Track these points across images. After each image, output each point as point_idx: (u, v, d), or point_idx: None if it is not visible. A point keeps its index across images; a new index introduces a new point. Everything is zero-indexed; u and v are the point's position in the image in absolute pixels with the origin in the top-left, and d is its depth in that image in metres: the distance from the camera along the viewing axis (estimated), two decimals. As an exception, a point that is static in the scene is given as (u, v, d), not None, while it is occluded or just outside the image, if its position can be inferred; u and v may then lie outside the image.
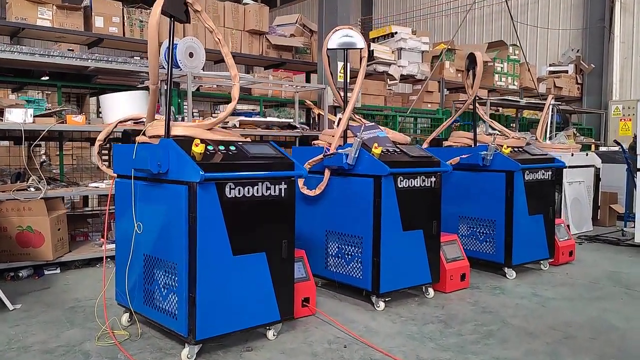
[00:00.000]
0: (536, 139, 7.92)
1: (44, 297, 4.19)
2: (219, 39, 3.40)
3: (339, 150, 3.97)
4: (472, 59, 5.09)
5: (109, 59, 5.19)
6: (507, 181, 4.77)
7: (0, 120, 4.71)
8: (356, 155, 3.89)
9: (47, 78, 5.75)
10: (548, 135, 8.50)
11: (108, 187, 5.01)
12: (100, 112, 5.79)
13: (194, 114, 7.54)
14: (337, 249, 4.16)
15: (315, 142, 4.43)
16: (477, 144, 5.08)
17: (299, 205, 4.46)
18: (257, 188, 3.08)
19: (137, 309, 3.34)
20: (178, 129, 3.17)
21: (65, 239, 5.05)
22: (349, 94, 4.27)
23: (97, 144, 3.68)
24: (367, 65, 8.38)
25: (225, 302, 2.97)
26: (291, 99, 7.33)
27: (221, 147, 3.05)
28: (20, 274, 4.70)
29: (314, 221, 4.36)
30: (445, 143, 5.39)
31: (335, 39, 4.14)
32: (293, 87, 6.96)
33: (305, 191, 4.22)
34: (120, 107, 5.27)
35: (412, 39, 8.71)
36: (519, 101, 8.96)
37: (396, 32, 8.69)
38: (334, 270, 4.19)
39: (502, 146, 4.89)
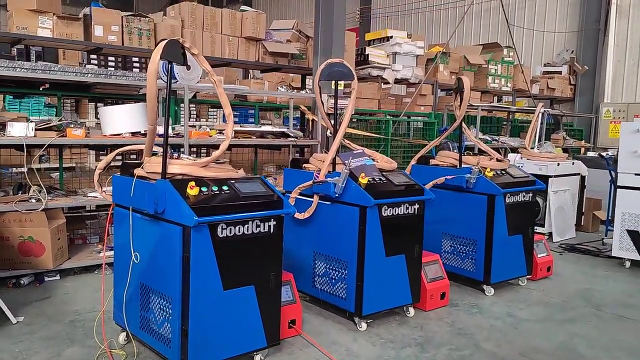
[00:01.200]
0: (525, 147, 8.14)
1: (45, 308, 4.42)
2: (214, 80, 3.57)
3: (328, 179, 4.17)
4: (460, 83, 5.25)
5: (108, 74, 5.34)
6: (489, 204, 5.00)
7: (2, 134, 4.88)
8: (343, 185, 4.10)
9: (47, 86, 5.90)
10: (537, 143, 8.70)
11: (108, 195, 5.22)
12: (99, 120, 5.95)
13: (191, 117, 7.72)
14: (323, 270, 4.39)
15: (306, 165, 4.62)
16: (462, 166, 5.28)
17: (289, 225, 4.70)
18: (248, 227, 3.29)
19: (133, 332, 3.58)
20: (174, 167, 3.36)
21: (65, 247, 5.27)
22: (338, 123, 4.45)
23: (97, 172, 3.87)
24: (362, 69, 8.56)
25: (215, 332, 3.21)
26: (286, 104, 7.50)
27: (214, 188, 3.25)
28: (22, 282, 4.93)
29: (303, 241, 4.58)
30: (432, 162, 5.60)
31: (327, 71, 4.30)
32: (287, 94, 7.12)
33: (296, 215, 4.42)
34: (119, 120, 5.44)
35: (407, 44, 8.84)
36: (509, 108, 9.13)
37: (392, 36, 8.81)
38: (320, 288, 4.43)
39: (485, 169, 5.10)
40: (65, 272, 5.25)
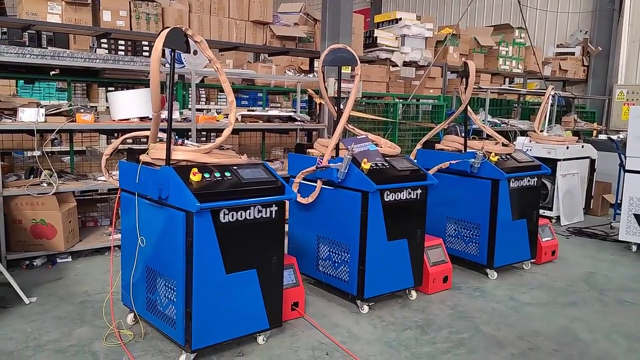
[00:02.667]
0: (534, 130, 8.10)
1: (57, 288, 4.56)
2: (217, 67, 3.61)
3: (331, 165, 4.22)
4: (466, 67, 5.24)
5: (116, 59, 5.40)
6: (493, 189, 5.02)
7: (14, 119, 4.99)
8: (346, 171, 4.15)
9: (57, 72, 5.98)
10: (547, 126, 8.64)
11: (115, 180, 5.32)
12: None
13: (200, 101, 7.78)
14: (326, 254, 4.47)
15: (310, 150, 4.67)
16: (467, 150, 5.30)
17: (294, 209, 4.78)
18: (250, 212, 3.37)
19: (140, 313, 3.70)
20: (178, 154, 3.43)
21: (76, 229, 5.40)
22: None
23: (103, 158, 3.95)
24: (370, 52, 8.53)
25: (218, 315, 3.30)
26: (294, 88, 7.52)
27: (217, 174, 3.32)
28: (35, 263, 5.08)
29: (307, 225, 4.65)
30: (437, 146, 5.61)
31: (330, 56, 4.32)
32: (295, 77, 7.14)
33: (299, 199, 4.49)
34: (127, 105, 5.52)
35: (416, 26, 8.78)
36: (519, 90, 9.06)
37: (400, 18, 8.75)
38: (324, 272, 4.51)
39: (490, 153, 5.11)
40: (77, 254, 5.39)
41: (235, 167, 3.46)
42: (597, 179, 8.48)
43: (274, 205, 3.48)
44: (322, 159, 4.32)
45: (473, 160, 5.06)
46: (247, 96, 9.47)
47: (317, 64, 8.62)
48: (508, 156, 5.27)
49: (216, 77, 7.44)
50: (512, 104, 10.58)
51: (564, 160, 7.66)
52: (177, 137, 3.79)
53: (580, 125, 10.36)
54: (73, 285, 4.67)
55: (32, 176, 5.21)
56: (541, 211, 7.70)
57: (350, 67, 7.22)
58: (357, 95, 7.43)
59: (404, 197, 4.31)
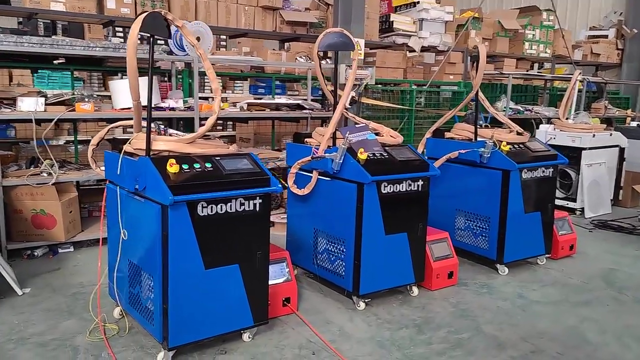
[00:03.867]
0: (558, 117, 7.72)
1: (53, 279, 4.53)
2: (200, 53, 3.46)
3: (326, 155, 4.03)
4: (476, 51, 4.95)
5: (117, 47, 5.31)
6: (503, 180, 4.75)
7: (13, 109, 4.96)
8: (341, 161, 3.96)
9: (62, 61, 5.94)
10: (574, 112, 8.23)
11: (102, 170, 5.27)
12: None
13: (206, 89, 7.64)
14: (323, 247, 4.30)
15: (308, 140, 4.49)
16: (478, 139, 5.02)
17: (292, 201, 4.62)
18: (231, 205, 3.21)
19: (124, 307, 3.61)
20: (160, 144, 3.30)
21: (77, 220, 5.37)
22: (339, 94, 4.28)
23: (90, 148, 3.87)
24: (386, 37, 8.27)
25: (197, 311, 3.18)
26: (305, 75, 7.33)
27: (196, 165, 3.18)
28: (36, 253, 5.07)
29: (304, 217, 4.49)
30: (447, 135, 5.35)
31: (325, 41, 4.12)
32: (305, 64, 6.94)
33: (295, 190, 4.33)
34: (127, 94, 5.41)
35: (435, 9, 8.46)
36: (544, 75, 8.65)
37: (418, 2, 8.44)
38: (321, 266, 4.34)
39: (501, 142, 4.83)
40: (79, 244, 5.36)
41: (217, 158, 3.31)
42: (627, 168, 8.03)
43: (257, 197, 3.32)
44: (317, 149, 4.14)
45: (483, 149, 4.79)
46: (264, 84, 9.33)
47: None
48: (521, 145, 4.98)
49: (225, 64, 7.35)
50: (538, 90, 10.13)
51: (589, 149, 7.27)
52: (161, 126, 3.66)
53: (611, 112, 9.87)
54: (70, 276, 4.63)
55: (32, 166, 5.19)
56: (564, 203, 7.43)
57: (364, 53, 7.01)
58: (370, 82, 7.22)
59: (404, 189, 4.09)
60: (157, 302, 3.12)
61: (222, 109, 6.06)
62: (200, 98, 6.71)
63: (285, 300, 3.88)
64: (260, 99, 6.64)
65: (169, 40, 5.95)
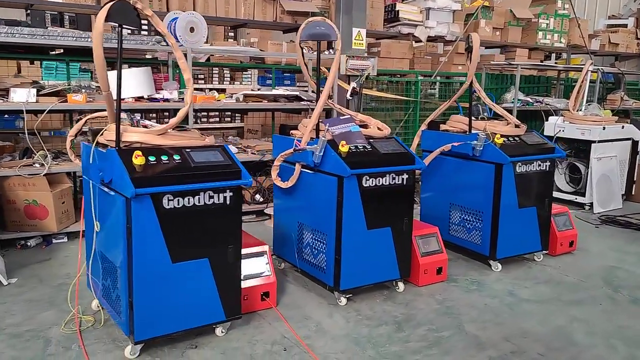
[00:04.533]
0: (568, 109, 7.49)
1: (41, 270, 4.55)
2: (172, 42, 3.41)
3: (307, 147, 3.95)
4: (469, 40, 4.80)
5: (109, 38, 5.29)
6: (496, 173, 4.61)
7: (5, 100, 4.99)
8: (321, 154, 3.87)
9: (60, 52, 5.96)
10: (586, 104, 7.96)
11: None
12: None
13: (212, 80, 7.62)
14: (307, 241, 4.23)
15: (293, 132, 4.41)
16: (472, 132, 4.88)
17: (277, 194, 4.56)
18: (199, 198, 3.16)
19: (99, 299, 3.60)
20: (131, 135, 3.26)
21: (71, 210, 5.39)
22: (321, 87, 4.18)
23: (68, 139, 3.85)
24: (391, 27, 8.11)
25: (165, 306, 3.14)
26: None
27: (164, 157, 3.13)
28: (29, 243, 5.11)
29: (288, 211, 4.44)
30: (442, 127, 5.22)
31: (307, 31, 4.02)
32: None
33: (278, 183, 4.27)
34: (125, 84, 5.39)
35: (443, -2, 8.25)
36: (555, 66, 8.39)
37: (425, -9, 8.24)
38: (305, 260, 4.27)
39: (495, 135, 4.68)
40: (73, 235, 5.38)
41: (188, 150, 3.26)
42: (640, 162, 7.77)
43: (228, 190, 3.26)
44: (300, 141, 4.06)
45: (475, 142, 4.65)
46: (271, 75, 9.26)
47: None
48: (517, 138, 4.81)
49: (226, 55, 7.30)
50: (551, 81, 9.85)
51: (599, 141, 7.03)
52: (137, 117, 3.62)
53: (628, 104, 9.54)
54: (58, 266, 4.65)
55: (26, 157, 5.23)
56: (573, 197, 7.21)
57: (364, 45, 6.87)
58: (372, 73, 7.09)
59: (387, 183, 3.99)
60: (124, 295, 3.10)
61: (218, 100, 6.03)
62: (196, 89, 6.71)
63: (263, 294, 3.83)
64: (259, 90, 6.57)
65: (167, 30, 5.93)
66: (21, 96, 4.99)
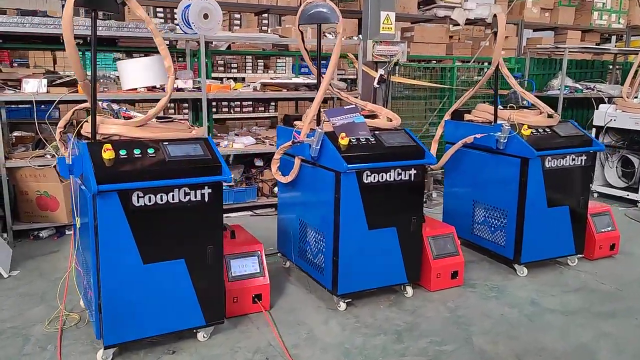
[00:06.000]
0: (621, 96, 6.82)
1: (44, 263, 4.50)
2: (151, 28, 3.19)
3: (305, 140, 3.66)
4: (494, 21, 4.34)
5: (120, 26, 5.18)
6: (522, 168, 4.16)
7: (16, 90, 4.96)
8: (318, 147, 3.57)
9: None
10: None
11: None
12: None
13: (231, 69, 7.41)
14: (307, 240, 3.95)
15: (296, 122, 4.13)
16: (498, 122, 4.43)
17: (281, 189, 4.32)
18: (173, 195, 2.94)
19: (82, 298, 3.47)
20: (109, 127, 3.08)
21: (83, 202, 5.33)
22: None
23: (57, 131, 3.71)
24: (427, 10, 7.64)
25: (136, 309, 2.95)
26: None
27: (137, 151, 2.92)
28: (41, 235, 5.10)
29: (290, 207, 4.19)
30: (466, 117, 4.78)
31: (306, 14, 3.71)
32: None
33: (279, 177, 4.01)
34: (134, 74, 5.28)
35: (484, -23, 7.69)
36: (607, 49, 7.67)
37: (464, -30, 7.71)
38: (306, 260, 4.00)
39: (523, 125, 4.22)
40: (86, 227, 5.34)
41: (165, 143, 3.04)
42: None
43: (206, 187, 3.03)
44: (299, 133, 3.77)
45: (499, 133, 4.21)
46: (297, 63, 8.96)
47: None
48: (548, 129, 4.33)
49: (245, 43, 7.06)
50: (607, 66, 9.06)
51: (653, 133, 6.36)
52: (122, 108, 3.44)
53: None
54: (62, 260, 4.58)
55: (38, 148, 5.20)
56: (624, 194, 6.58)
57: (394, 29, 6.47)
58: (401, 59, 6.67)
59: (392, 179, 3.64)
60: (94, 297, 2.93)
61: (235, 89, 5.82)
62: (215, 78, 6.52)
63: (255, 297, 3.59)
64: (278, 78, 6.31)
65: (178, 18, 5.77)
66: (33, 87, 4.94)
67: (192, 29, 5.44)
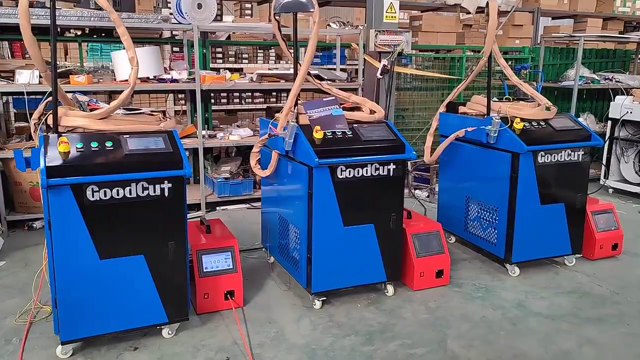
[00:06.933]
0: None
1: (32, 254, 4.51)
2: (113, 17, 3.12)
3: (280, 133, 3.55)
4: (486, 9, 4.13)
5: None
6: (512, 164, 3.96)
7: (8, 82, 4.99)
8: (291, 141, 3.46)
9: (78, 33, 5.92)
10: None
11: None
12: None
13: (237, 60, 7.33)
14: (285, 236, 3.85)
15: (277, 115, 4.01)
16: (490, 114, 4.23)
17: (264, 183, 4.21)
18: (130, 189, 2.88)
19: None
20: (72, 120, 3.04)
21: (77, 193, 5.35)
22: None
23: (31, 122, 3.69)
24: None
25: (93, 305, 2.91)
26: (348, 43, 6.77)
27: (93, 144, 2.86)
28: (34, 225, 5.13)
29: (271, 201, 4.09)
30: (461, 109, 4.59)
31: (280, 2, 3.58)
32: (334, 30, 6.37)
33: (257, 171, 3.91)
34: (126, 65, 5.25)
35: (497, -37, 7.38)
36: (628, 37, 7.29)
37: (476, -44, 7.41)
38: (286, 256, 3.90)
39: (515, 118, 4.02)
40: (81, 218, 5.35)
41: (126, 136, 2.98)
42: None
43: (165, 181, 2.95)
44: (276, 126, 3.66)
45: (489, 127, 4.02)
46: (321, 53, 8.81)
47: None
48: (542, 123, 4.11)
49: (245, 33, 6.96)
50: (630, 55, 8.62)
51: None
52: (92, 100, 3.39)
53: None
54: (50, 251, 4.60)
55: (32, 139, 5.22)
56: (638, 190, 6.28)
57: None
58: (406, 49, 6.48)
59: (368, 174, 3.50)
60: (52, 293, 2.90)
61: (231, 80, 5.73)
62: (212, 69, 6.45)
63: (228, 293, 3.51)
64: (276, 69, 6.20)
65: (172, 8, 5.71)
66: (25, 78, 4.96)
67: (185, 18, 5.37)
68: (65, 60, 7.72)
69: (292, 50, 3.84)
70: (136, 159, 2.88)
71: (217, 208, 5.80)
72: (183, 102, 6.62)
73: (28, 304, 3.53)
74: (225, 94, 7.10)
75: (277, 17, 3.78)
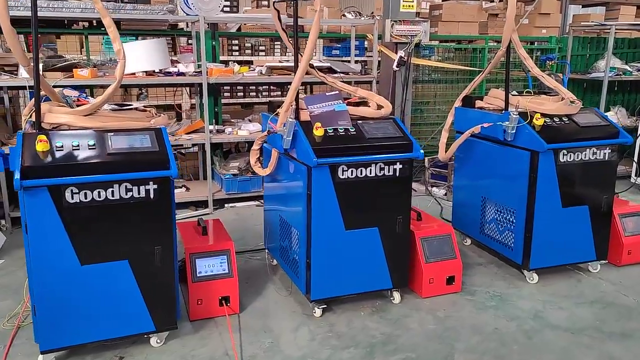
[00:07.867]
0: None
1: (32, 252, 4.41)
2: (99, 8, 2.94)
3: (279, 130, 3.34)
4: (505, -4, 3.83)
5: (116, 8, 5.00)
6: (531, 163, 3.67)
7: (11, 76, 4.89)
8: (289, 138, 3.25)
9: (86, 25, 5.80)
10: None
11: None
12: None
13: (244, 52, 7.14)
14: (286, 238, 3.65)
15: (279, 110, 3.80)
16: (508, 109, 3.94)
17: (265, 181, 4.02)
18: (112, 191, 2.70)
19: (41, 295, 3.32)
20: (54, 116, 2.88)
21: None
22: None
23: (23, 119, 3.56)
24: (458, -13, 7.05)
25: (75, 313, 2.75)
26: (361, 33, 6.52)
27: (75, 143, 2.70)
28: (39, 222, 5.04)
29: (272, 201, 3.89)
30: (478, 103, 4.30)
31: (280, -10, 3.36)
32: (349, 21, 6.12)
33: (257, 169, 3.71)
34: (133, 58, 5.10)
35: (523, -52, 7.02)
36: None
37: (501, -59, 7.06)
38: (287, 259, 3.70)
39: (535, 114, 3.72)
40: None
41: (110, 134, 2.81)
42: None
43: (151, 182, 2.77)
44: (275, 122, 3.45)
45: (506, 123, 3.73)
46: (339, 45, 8.57)
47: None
48: (565, 118, 3.80)
49: (257, 24, 6.75)
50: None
51: None
52: (82, 96, 3.23)
53: None
54: (51, 249, 4.49)
55: (36, 134, 5.12)
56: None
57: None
58: (423, 40, 6.19)
59: (373, 174, 3.27)
60: (32, 299, 2.75)
61: (240, 73, 5.54)
62: (222, 61, 6.27)
63: (223, 299, 3.33)
64: (287, 61, 5.99)
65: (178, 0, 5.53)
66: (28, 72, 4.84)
67: (190, 8, 5.19)
68: (81, 54, 7.65)
69: (292, 41, 3.60)
70: (119, 159, 2.71)
71: (226, 205, 5.63)
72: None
73: (17, 307, 3.41)
74: (241, 87, 6.92)
75: (276, 7, 3.55)
